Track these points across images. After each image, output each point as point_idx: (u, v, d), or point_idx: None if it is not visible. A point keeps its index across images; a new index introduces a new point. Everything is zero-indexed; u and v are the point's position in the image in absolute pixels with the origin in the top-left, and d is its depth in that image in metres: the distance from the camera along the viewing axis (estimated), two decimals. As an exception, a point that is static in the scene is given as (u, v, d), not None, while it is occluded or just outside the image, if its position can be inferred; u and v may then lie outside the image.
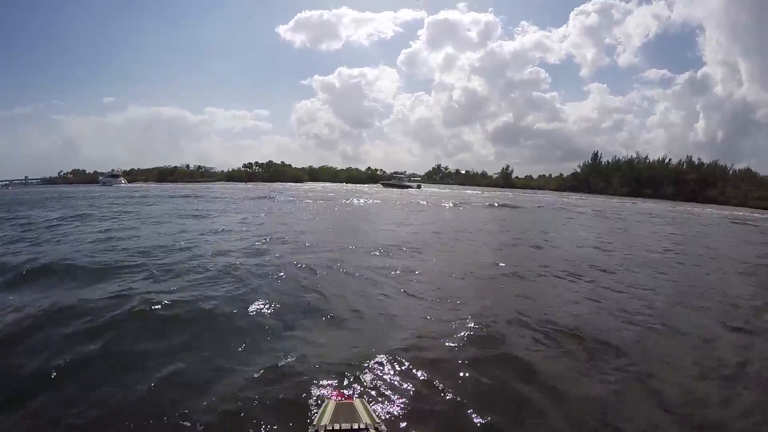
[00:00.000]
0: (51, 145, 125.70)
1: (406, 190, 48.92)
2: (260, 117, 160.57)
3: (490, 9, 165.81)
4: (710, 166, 65.76)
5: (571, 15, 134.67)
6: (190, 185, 55.51)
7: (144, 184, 60.81)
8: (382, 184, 57.77)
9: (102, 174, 63.07)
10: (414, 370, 3.38)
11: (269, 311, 4.70)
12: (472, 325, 4.37)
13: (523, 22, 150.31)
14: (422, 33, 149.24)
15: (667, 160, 70.00)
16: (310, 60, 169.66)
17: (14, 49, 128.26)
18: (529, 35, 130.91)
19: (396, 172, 63.00)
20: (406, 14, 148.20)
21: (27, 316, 4.34)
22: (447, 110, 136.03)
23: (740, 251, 11.98)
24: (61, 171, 77.52)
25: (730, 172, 64.07)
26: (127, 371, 3.30)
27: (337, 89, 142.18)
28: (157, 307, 4.53)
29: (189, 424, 2.64)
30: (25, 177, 69.68)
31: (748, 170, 63.67)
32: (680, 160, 68.95)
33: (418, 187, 54.47)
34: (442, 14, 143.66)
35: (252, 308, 4.75)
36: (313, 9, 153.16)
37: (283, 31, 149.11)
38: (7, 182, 63.29)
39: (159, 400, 2.89)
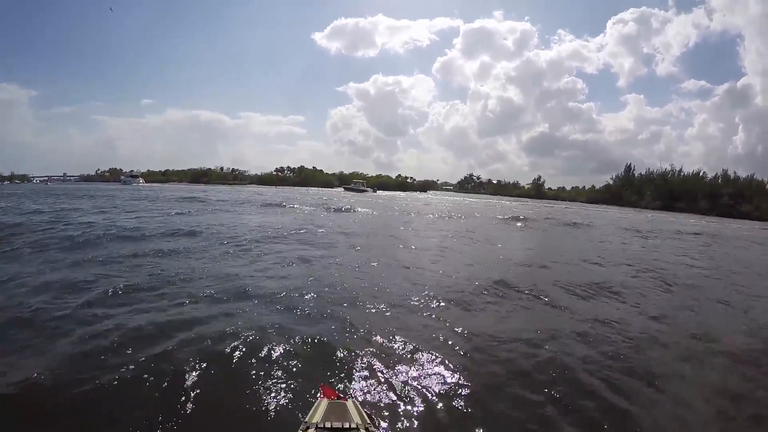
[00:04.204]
0: (90, 144, 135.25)
1: (365, 193, 59.60)
2: (295, 122, 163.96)
3: (526, 17, 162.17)
4: (746, 180, 63.87)
5: (609, 24, 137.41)
6: (216, 187, 57.71)
7: (166, 185, 62.78)
8: (344, 188, 68.15)
9: (123, 174, 66.24)
10: (409, 375, 3.49)
11: (266, 306, 4.95)
12: (469, 333, 4.45)
13: (560, 31, 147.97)
14: (458, 41, 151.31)
15: (701, 174, 69.12)
16: (346, 67, 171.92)
17: (57, 52, 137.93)
18: (565, 44, 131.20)
19: (354, 180, 75.60)
20: (442, 22, 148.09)
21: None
22: (482, 119, 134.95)
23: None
24: (99, 169, 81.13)
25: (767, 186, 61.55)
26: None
27: (372, 96, 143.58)
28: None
29: (177, 418, 2.68)
30: (64, 174, 73.78)
31: (786, 185, 60.49)
32: (716, 174, 67.82)
33: (374, 191, 65.81)
34: (478, 23, 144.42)
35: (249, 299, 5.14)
36: (349, 16, 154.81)
37: (319, 38, 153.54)
38: (46, 178, 67.11)
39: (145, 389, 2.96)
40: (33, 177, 65.86)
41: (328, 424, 1.74)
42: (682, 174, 70.59)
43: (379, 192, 67.56)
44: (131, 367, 3.19)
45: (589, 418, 3.05)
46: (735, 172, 66.34)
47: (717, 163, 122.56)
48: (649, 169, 76.45)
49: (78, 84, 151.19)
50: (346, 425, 1.74)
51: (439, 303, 5.47)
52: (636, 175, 76.08)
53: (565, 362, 3.94)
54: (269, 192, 44.35)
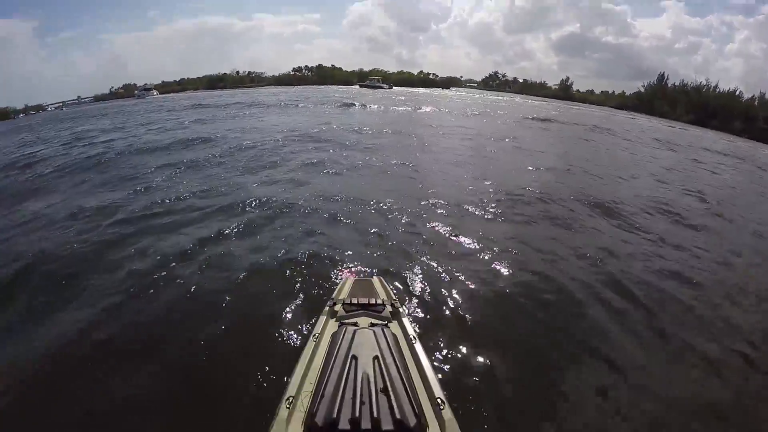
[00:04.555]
0: (100, 64, 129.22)
1: (381, 90, 55.54)
2: (311, 21, 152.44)
3: None
4: None
5: None
6: (233, 91, 55.00)
7: (182, 93, 61.73)
8: (359, 85, 64.71)
9: (137, 89, 64.54)
10: (438, 262, 3.56)
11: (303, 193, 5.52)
12: (497, 235, 4.38)
13: None
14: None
15: (738, 93, 63.34)
16: None
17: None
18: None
19: (370, 77, 69.26)
20: None
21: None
22: (509, 15, 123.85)
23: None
24: (112, 87, 78.61)
25: (808, 117, 55.76)
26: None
27: None
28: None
29: (216, 301, 2.96)
30: (78, 97, 72.08)
31: (827, 117, 54.33)
32: (753, 95, 62.00)
33: (390, 87, 61.82)
34: None
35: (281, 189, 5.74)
36: None
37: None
38: (61, 104, 66.25)
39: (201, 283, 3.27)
40: (47, 105, 64.88)
41: (354, 300, 1.79)
42: (717, 90, 64.86)
43: (397, 88, 64.41)
44: (173, 284, 3.27)
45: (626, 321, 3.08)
46: (774, 97, 59.89)
47: (757, 84, 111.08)
48: (683, 80, 70.00)
49: (78, 4, 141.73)
50: (372, 300, 1.77)
51: (467, 204, 5.37)
52: (669, 85, 70.02)
53: (605, 269, 3.87)
54: (288, 92, 43.08)
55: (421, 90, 65.92)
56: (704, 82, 66.86)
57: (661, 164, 11.27)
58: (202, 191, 5.67)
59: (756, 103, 60.72)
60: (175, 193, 5.58)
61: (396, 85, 74.06)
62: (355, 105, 22.34)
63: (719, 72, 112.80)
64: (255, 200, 5.14)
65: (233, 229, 4.25)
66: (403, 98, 33.80)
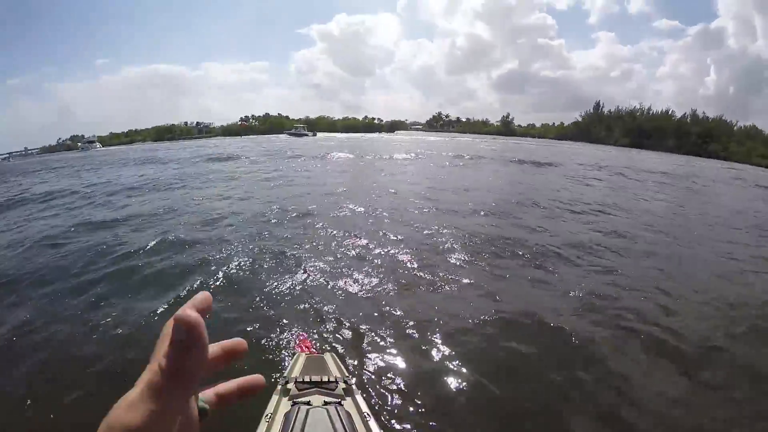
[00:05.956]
0: (47, 114, 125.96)
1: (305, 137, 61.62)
2: (259, 69, 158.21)
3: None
4: (714, 120, 66.20)
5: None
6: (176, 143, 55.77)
7: (132, 146, 62.06)
8: (287, 133, 72.20)
9: (81, 141, 65.93)
10: (385, 329, 3.60)
11: (246, 260, 5.24)
12: (448, 290, 4.50)
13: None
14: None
15: (670, 112, 71.28)
16: (307, 8, 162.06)
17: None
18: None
19: (295, 126, 76.98)
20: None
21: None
22: (450, 57, 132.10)
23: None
24: (60, 138, 78.42)
25: (735, 128, 64.80)
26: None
27: (336, 37, 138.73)
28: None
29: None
30: (25, 148, 70.61)
31: (753, 127, 63.50)
32: (685, 113, 69.97)
33: (314, 135, 69.42)
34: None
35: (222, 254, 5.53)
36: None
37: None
38: (8, 155, 65.00)
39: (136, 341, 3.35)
40: (-5, 156, 64.06)
41: (306, 377, 1.73)
42: (651, 112, 72.67)
43: (325, 135, 70.42)
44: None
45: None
46: (704, 113, 68.11)
47: (688, 103, 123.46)
48: (618, 106, 78.24)
49: (24, 50, 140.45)
50: (325, 378, 1.73)
51: (405, 267, 5.24)
52: (605, 112, 78.20)
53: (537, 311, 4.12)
54: (229, 144, 42.39)
55: (340, 135, 70.36)
56: (638, 107, 74.65)
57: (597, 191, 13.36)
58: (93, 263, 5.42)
59: (688, 120, 67.32)
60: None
61: (343, 132, 78.67)
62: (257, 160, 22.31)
63: (652, 95, 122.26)
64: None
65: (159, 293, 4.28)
66: (323, 143, 35.70)
